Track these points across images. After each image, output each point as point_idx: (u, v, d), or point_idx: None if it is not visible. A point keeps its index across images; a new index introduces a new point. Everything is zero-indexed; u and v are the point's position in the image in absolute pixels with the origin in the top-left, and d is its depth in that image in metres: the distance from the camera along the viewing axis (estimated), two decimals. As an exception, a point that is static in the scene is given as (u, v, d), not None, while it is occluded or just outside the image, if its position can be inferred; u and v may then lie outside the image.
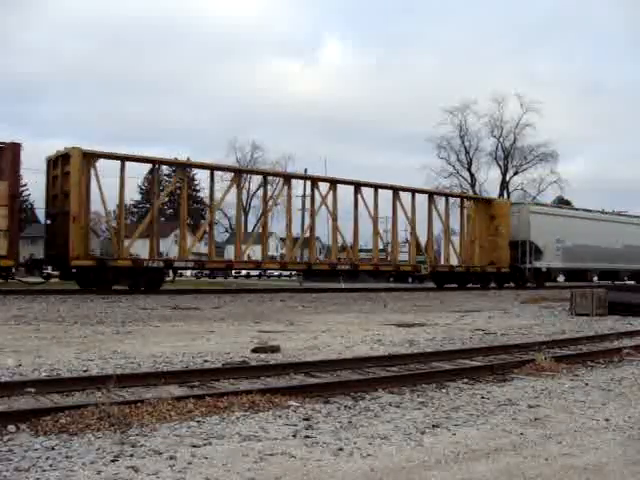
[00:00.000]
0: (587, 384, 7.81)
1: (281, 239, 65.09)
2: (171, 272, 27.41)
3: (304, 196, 38.98)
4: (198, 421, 5.51)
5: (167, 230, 58.76)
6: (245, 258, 29.40)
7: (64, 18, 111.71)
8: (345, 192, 31.43)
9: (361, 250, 37.42)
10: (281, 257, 49.09)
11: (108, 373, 7.33)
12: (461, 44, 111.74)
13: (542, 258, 36.99)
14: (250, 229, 61.44)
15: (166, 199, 39.16)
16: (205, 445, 4.84)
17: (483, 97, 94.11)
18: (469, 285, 35.46)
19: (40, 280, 24.95)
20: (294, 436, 5.17)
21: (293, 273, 53.58)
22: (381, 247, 36.75)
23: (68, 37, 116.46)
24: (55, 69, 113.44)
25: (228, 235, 75.56)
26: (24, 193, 71.81)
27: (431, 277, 36.42)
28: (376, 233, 32.54)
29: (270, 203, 31.48)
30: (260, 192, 37.56)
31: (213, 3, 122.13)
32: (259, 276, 61.65)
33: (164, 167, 48.98)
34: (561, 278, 41.29)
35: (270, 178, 33.39)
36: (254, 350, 9.75)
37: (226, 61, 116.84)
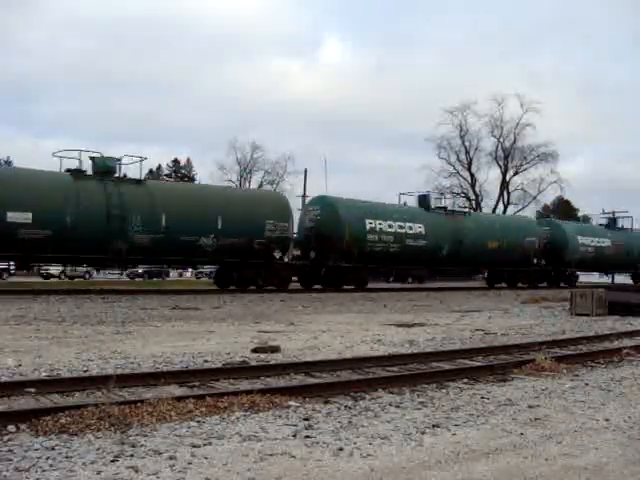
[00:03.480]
0: (587, 384, 7.81)
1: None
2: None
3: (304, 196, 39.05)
4: (198, 421, 5.51)
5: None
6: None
7: (64, 17, 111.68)
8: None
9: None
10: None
11: (108, 373, 7.33)
12: (461, 44, 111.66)
13: None
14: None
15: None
16: (205, 445, 4.84)
17: (483, 97, 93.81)
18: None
19: None
20: (294, 436, 5.17)
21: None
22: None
23: (68, 36, 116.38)
24: (55, 68, 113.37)
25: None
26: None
27: None
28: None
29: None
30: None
31: (213, 3, 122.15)
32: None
33: (164, 167, 48.92)
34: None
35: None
36: (254, 350, 9.74)
37: (226, 61, 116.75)
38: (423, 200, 34.43)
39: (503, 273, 38.02)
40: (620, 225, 46.24)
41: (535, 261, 37.92)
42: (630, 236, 45.45)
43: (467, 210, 37.00)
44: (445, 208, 35.46)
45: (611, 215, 46.60)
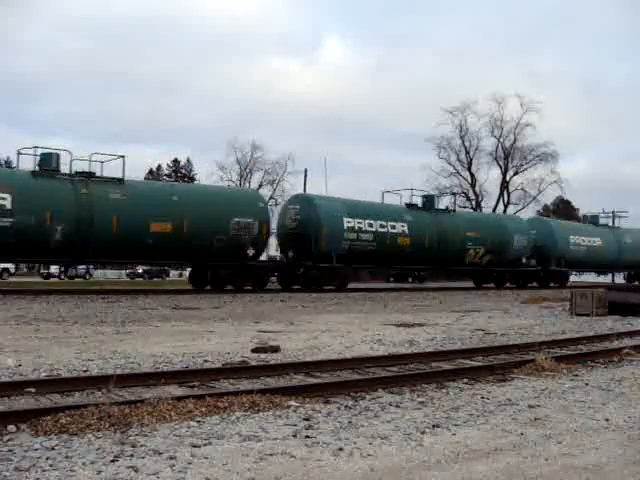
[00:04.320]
0: (587, 384, 7.81)
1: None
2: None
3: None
4: (198, 421, 5.51)
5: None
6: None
7: (63, 17, 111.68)
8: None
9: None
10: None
11: (108, 373, 7.33)
12: (461, 44, 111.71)
13: None
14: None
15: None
16: (205, 445, 4.84)
17: (483, 97, 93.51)
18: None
19: None
20: (294, 436, 5.17)
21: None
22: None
23: (67, 36, 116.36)
24: (55, 68, 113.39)
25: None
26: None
27: None
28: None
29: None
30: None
31: (213, 3, 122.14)
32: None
33: (164, 167, 48.78)
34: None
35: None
36: (254, 350, 9.74)
37: (226, 60, 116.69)
38: (43, 161, 22.78)
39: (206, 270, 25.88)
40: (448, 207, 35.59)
41: (251, 253, 25.88)
42: (450, 219, 32.93)
43: (124, 177, 23.77)
44: (76, 173, 23.14)
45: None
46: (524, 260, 35.76)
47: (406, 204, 32.34)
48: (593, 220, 44.99)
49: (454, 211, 34.95)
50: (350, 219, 28.40)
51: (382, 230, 29.41)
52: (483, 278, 36.01)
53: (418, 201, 32.99)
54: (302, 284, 27.58)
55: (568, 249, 38.73)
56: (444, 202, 36.86)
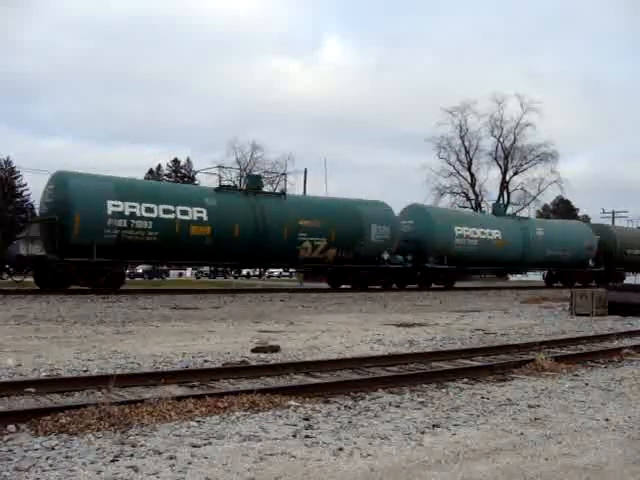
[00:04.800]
0: (587, 384, 7.81)
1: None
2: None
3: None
4: (198, 421, 5.51)
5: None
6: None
7: (63, 17, 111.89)
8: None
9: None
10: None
11: (108, 373, 7.33)
12: (461, 44, 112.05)
13: None
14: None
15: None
16: (205, 445, 4.84)
17: (483, 97, 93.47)
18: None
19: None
20: (294, 436, 5.17)
21: (293, 273, 53.69)
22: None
23: (67, 36, 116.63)
24: (54, 68, 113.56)
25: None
26: (24, 193, 71.93)
27: None
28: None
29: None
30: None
31: (213, 3, 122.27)
32: (259, 276, 61.72)
33: (164, 167, 48.72)
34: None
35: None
36: (254, 350, 9.74)
37: (226, 60, 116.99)
38: None
39: None
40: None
41: None
42: (276, 204, 26.60)
43: None
44: None
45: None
46: (386, 256, 28.86)
47: (220, 185, 26.86)
48: (496, 210, 38.65)
49: (284, 194, 28.16)
50: (119, 202, 22.43)
51: (167, 216, 23.32)
52: (339, 278, 29.73)
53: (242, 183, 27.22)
54: (51, 284, 22.24)
55: (452, 242, 31.89)
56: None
